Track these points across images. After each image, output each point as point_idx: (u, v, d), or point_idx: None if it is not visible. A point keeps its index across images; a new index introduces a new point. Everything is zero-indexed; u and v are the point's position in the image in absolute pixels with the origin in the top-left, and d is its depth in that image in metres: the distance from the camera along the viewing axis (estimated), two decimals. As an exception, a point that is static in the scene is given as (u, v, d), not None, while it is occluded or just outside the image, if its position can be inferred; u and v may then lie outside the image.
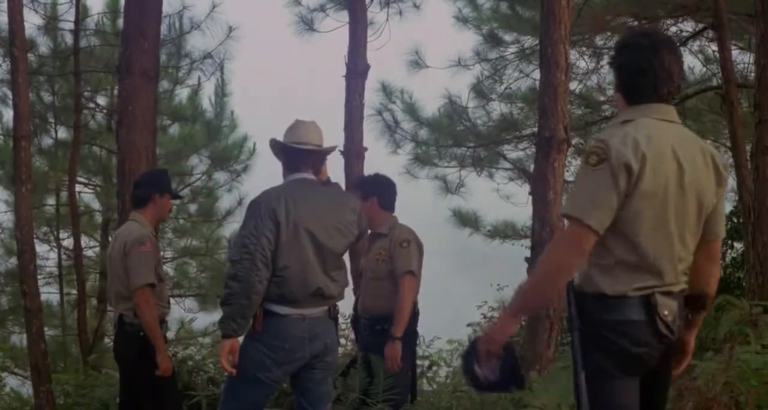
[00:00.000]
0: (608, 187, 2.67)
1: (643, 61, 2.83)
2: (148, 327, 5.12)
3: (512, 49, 13.10)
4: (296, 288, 4.16)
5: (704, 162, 2.85)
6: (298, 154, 4.32)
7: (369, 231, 5.34)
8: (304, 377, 4.32)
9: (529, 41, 12.67)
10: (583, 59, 12.42)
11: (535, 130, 7.49)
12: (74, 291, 13.23)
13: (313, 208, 4.24)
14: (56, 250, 14.24)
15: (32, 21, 12.45)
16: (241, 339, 4.24)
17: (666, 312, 2.76)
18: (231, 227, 14.50)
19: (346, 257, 4.55)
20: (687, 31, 11.60)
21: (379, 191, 5.64)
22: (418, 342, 6.19)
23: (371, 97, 12.43)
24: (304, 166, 4.34)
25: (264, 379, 4.21)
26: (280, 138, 4.39)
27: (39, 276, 8.91)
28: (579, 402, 2.74)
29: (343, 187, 4.77)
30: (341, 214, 4.36)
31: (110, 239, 11.62)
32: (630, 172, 2.68)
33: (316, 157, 4.37)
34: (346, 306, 5.04)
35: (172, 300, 8.27)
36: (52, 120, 14.05)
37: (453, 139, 13.30)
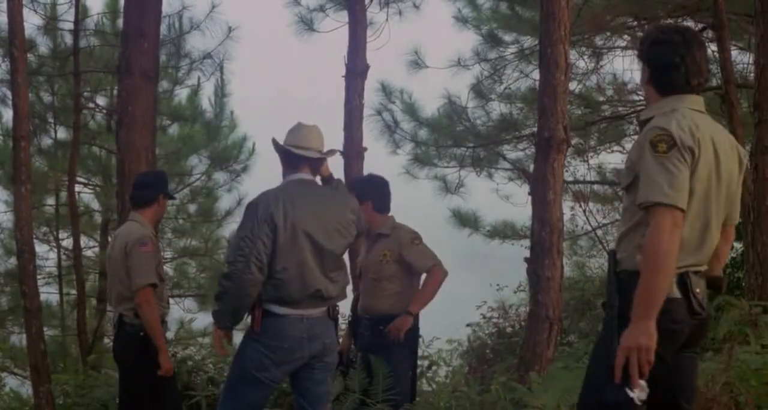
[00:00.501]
0: (683, 169, 2.82)
1: (676, 56, 2.98)
2: (150, 327, 5.12)
3: (512, 49, 13.09)
4: (294, 290, 4.16)
5: (731, 151, 3.01)
6: (296, 157, 4.34)
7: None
8: (303, 377, 4.32)
9: (528, 41, 12.66)
10: (583, 59, 12.42)
11: (535, 130, 7.49)
12: (74, 292, 13.23)
13: (311, 210, 4.24)
14: (56, 250, 14.25)
15: (32, 21, 12.47)
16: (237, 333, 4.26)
17: (698, 290, 2.90)
18: (230, 227, 14.51)
19: (346, 257, 4.55)
20: (686, 32, 11.58)
21: (373, 195, 5.64)
22: (419, 343, 6.19)
23: (371, 97, 12.44)
24: (302, 166, 4.35)
25: (263, 379, 4.21)
26: (283, 138, 4.41)
27: (38, 277, 8.91)
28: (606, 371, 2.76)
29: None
30: (340, 215, 4.36)
31: (109, 239, 11.62)
32: (693, 155, 2.85)
33: (314, 159, 4.39)
34: (344, 306, 5.03)
35: (171, 301, 8.27)
36: (51, 120, 14.05)
37: (452, 139, 13.29)
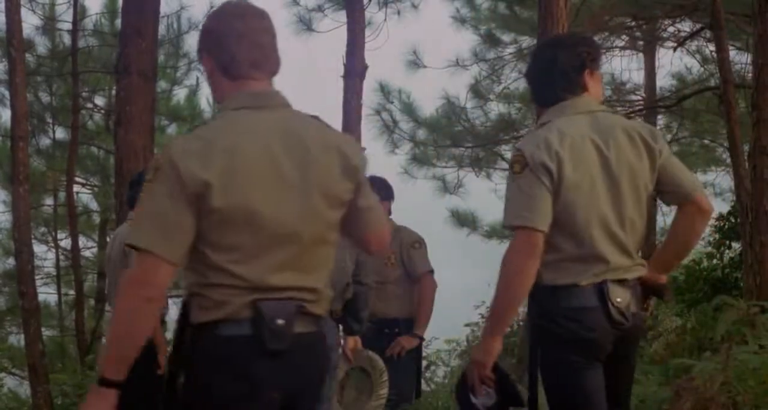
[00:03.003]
0: (538, 189, 2.79)
1: (539, 65, 3.03)
2: (148, 327, 5.11)
3: (510, 49, 13.11)
4: None
5: (627, 139, 2.90)
6: None
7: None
8: None
9: (527, 41, 12.68)
10: (581, 59, 12.41)
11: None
12: (72, 292, 13.23)
13: None
14: (54, 251, 14.24)
15: (30, 21, 12.46)
16: None
17: (618, 299, 2.84)
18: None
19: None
20: (685, 31, 11.61)
21: (392, 197, 5.66)
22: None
23: (369, 97, 12.45)
24: None
25: None
26: None
27: (37, 277, 8.91)
28: (534, 394, 2.89)
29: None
30: None
31: (108, 239, 11.61)
32: (549, 171, 2.79)
33: None
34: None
35: (170, 301, 8.25)
36: (50, 120, 14.05)
37: (451, 139, 13.31)
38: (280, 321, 2.29)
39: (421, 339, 5.59)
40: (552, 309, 2.83)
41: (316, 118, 2.51)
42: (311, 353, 2.40)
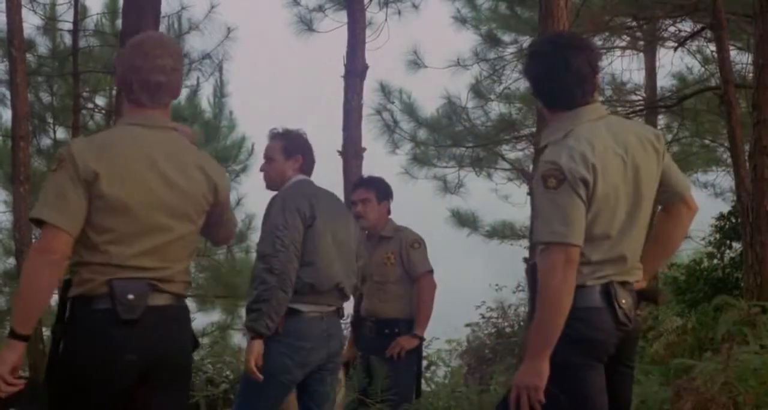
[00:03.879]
0: (575, 203, 2.76)
1: (553, 68, 2.90)
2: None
3: (511, 49, 13.13)
4: (321, 281, 4.18)
5: (639, 144, 2.91)
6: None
7: (366, 232, 5.36)
8: (314, 377, 4.31)
9: (527, 41, 12.67)
10: (582, 59, 12.40)
11: (534, 130, 7.50)
12: (73, 292, 13.22)
13: (330, 206, 4.31)
14: (55, 251, 14.24)
15: (31, 21, 12.44)
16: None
17: (623, 301, 2.85)
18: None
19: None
20: (685, 31, 11.60)
21: (390, 196, 5.65)
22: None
23: (370, 97, 12.46)
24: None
25: (285, 382, 4.20)
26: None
27: (37, 277, 8.89)
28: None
29: (341, 187, 4.78)
30: (348, 214, 4.46)
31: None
32: (587, 184, 2.77)
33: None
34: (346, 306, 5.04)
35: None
36: (50, 120, 14.04)
37: (452, 139, 13.32)
38: (131, 296, 2.76)
39: (421, 339, 5.58)
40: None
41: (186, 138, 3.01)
42: (165, 321, 2.84)
